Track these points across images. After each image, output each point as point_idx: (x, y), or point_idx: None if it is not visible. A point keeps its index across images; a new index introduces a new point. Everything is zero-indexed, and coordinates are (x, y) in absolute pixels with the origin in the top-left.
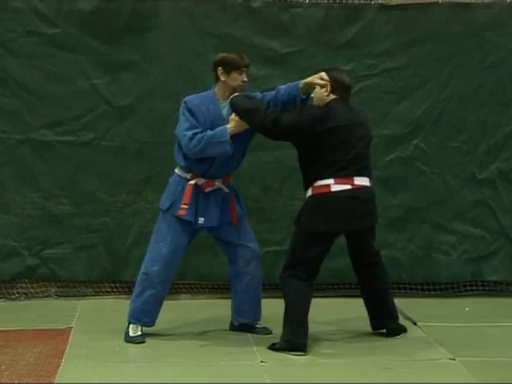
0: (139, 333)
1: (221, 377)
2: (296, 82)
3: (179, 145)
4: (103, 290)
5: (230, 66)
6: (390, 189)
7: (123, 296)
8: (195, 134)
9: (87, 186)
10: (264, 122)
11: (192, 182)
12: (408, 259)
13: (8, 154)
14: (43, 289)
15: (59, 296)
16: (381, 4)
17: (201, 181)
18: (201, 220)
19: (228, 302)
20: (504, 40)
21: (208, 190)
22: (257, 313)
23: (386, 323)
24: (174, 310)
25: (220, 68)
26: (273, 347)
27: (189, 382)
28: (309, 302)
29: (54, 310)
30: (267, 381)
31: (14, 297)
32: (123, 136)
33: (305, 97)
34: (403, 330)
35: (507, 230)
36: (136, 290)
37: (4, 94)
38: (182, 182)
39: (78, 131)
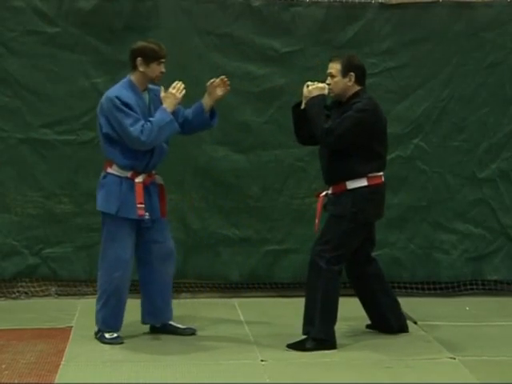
0: (115, 335)
1: (221, 376)
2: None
3: (114, 143)
4: None
5: (150, 57)
6: (390, 188)
7: None
8: (143, 125)
9: (88, 185)
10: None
11: (138, 179)
12: (408, 258)
13: (8, 153)
14: (43, 288)
15: (59, 295)
16: (381, 3)
17: (143, 177)
18: (146, 215)
19: (229, 301)
20: (504, 39)
21: (149, 183)
22: (171, 311)
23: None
24: (175, 310)
25: (140, 58)
26: (300, 347)
27: (189, 382)
28: None
29: (55, 309)
30: (267, 380)
31: (14, 296)
32: None
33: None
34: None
35: (508, 230)
36: (101, 298)
37: (4, 93)
38: (124, 181)
39: (79, 130)
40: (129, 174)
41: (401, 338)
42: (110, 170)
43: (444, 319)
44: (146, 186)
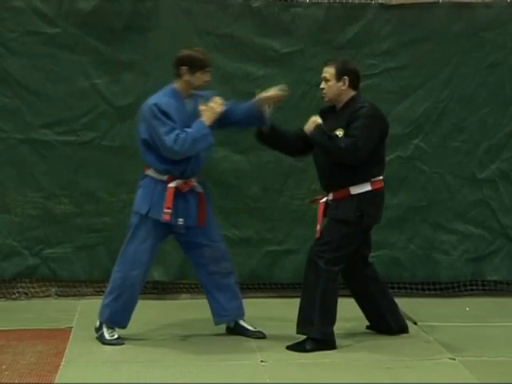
0: (116, 336)
1: (221, 377)
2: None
3: (151, 149)
4: (103, 289)
5: (195, 66)
6: (390, 188)
7: None
8: (177, 135)
9: (88, 185)
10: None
11: (171, 184)
12: (408, 259)
13: (8, 153)
14: (43, 288)
15: (59, 296)
16: (381, 4)
17: (179, 182)
18: (180, 221)
19: None
20: (504, 39)
21: (186, 189)
22: (240, 308)
23: (403, 324)
24: (175, 310)
25: (185, 67)
26: (300, 348)
27: (189, 382)
28: None
29: (55, 309)
30: (267, 381)
31: (14, 296)
32: (124, 136)
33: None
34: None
35: (507, 230)
36: (112, 293)
37: (4, 93)
38: (159, 184)
39: (79, 131)
40: (165, 178)
41: (401, 339)
42: (148, 172)
43: (444, 320)
44: (183, 193)
